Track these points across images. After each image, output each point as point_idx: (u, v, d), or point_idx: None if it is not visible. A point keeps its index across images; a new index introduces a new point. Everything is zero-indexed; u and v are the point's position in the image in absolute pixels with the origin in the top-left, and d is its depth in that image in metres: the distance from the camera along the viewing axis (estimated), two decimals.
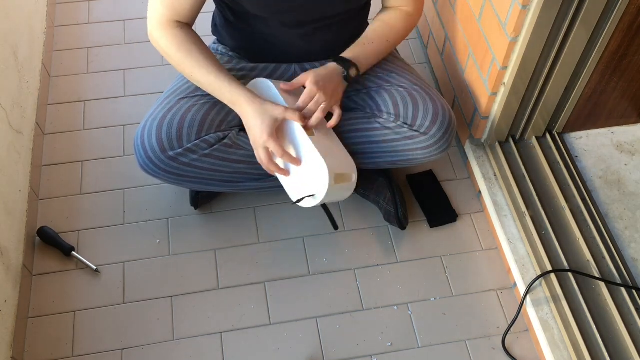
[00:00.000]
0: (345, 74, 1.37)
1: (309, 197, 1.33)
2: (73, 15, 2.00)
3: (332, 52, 1.44)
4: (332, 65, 1.37)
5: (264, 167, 1.35)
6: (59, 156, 1.67)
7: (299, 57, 1.48)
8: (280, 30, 1.41)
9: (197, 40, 1.37)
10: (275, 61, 1.48)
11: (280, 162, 1.35)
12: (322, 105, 1.32)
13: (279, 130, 1.34)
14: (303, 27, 1.40)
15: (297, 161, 1.32)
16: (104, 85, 1.82)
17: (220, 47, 1.52)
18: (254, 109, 1.30)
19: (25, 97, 1.61)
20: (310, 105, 1.32)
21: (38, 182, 1.60)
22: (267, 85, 1.39)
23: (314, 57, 1.48)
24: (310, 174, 1.33)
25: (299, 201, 1.35)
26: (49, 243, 1.50)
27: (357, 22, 1.48)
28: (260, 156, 1.32)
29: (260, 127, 1.29)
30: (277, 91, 1.37)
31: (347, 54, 1.39)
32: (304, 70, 1.48)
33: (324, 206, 1.41)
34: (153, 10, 1.36)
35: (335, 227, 1.52)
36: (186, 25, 1.37)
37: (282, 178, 1.38)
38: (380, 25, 1.43)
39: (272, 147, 1.29)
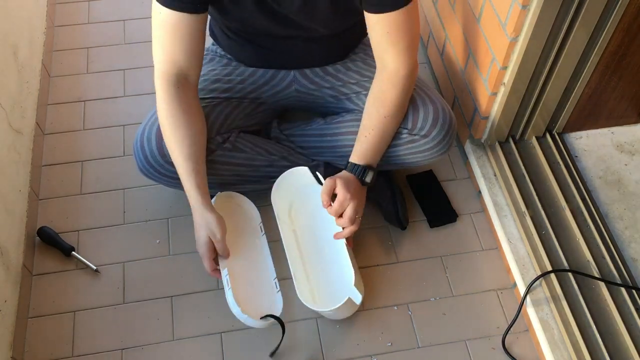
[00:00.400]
0: (364, 178, 1.36)
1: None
2: (73, 15, 2.00)
3: (331, 58, 1.44)
4: (349, 176, 1.35)
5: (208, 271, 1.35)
6: (59, 156, 1.67)
7: (297, 64, 1.48)
8: (273, 41, 1.41)
9: (191, 116, 1.30)
10: (271, 67, 1.48)
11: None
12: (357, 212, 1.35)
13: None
14: (295, 40, 1.40)
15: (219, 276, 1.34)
16: (104, 85, 1.82)
17: (219, 50, 1.52)
18: (200, 216, 1.31)
19: (25, 97, 1.61)
20: (349, 212, 1.34)
21: (38, 182, 1.60)
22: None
23: (312, 63, 1.47)
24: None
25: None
26: (49, 243, 1.50)
27: (355, 28, 1.47)
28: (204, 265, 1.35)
29: (199, 241, 1.33)
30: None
31: (357, 157, 1.36)
32: (304, 76, 1.48)
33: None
34: (155, 58, 1.29)
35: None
36: (188, 84, 1.30)
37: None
38: (374, 102, 1.36)
39: (205, 263, 1.33)
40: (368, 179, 1.36)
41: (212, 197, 1.57)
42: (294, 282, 1.35)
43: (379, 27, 1.27)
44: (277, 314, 1.33)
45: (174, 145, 1.30)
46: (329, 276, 1.39)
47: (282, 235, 1.41)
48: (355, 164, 1.36)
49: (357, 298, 1.30)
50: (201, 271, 1.48)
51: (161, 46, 1.26)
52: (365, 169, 1.36)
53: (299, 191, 1.44)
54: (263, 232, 1.45)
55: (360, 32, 1.49)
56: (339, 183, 1.32)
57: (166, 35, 1.24)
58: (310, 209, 1.45)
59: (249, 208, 1.47)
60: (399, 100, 1.34)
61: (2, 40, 1.52)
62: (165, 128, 1.30)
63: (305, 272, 1.40)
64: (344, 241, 1.37)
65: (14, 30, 1.61)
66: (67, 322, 1.41)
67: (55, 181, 1.62)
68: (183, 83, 1.29)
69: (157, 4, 1.22)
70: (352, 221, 1.34)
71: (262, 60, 1.47)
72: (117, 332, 1.39)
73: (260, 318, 1.30)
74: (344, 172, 1.37)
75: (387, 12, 1.24)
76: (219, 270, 1.34)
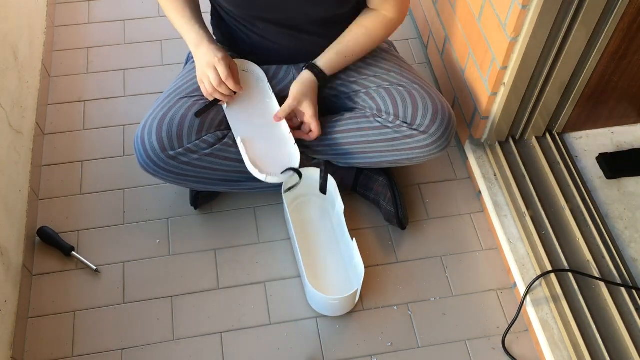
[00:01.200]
0: (320, 85, 1.42)
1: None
2: (73, 15, 2.00)
3: (323, 48, 1.45)
4: (313, 83, 1.41)
5: (209, 89, 1.38)
6: (59, 156, 1.67)
7: (293, 58, 1.48)
8: (270, 32, 1.41)
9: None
10: (268, 62, 1.49)
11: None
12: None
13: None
14: (292, 29, 1.41)
15: (239, 88, 1.40)
16: (104, 85, 1.82)
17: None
18: (215, 47, 1.38)
19: (25, 97, 1.61)
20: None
21: (38, 182, 1.60)
22: (258, 74, 1.48)
23: (308, 58, 1.48)
24: (280, 151, 1.42)
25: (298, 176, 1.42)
26: (49, 243, 1.50)
27: (348, 23, 1.48)
28: (209, 77, 1.36)
29: (213, 55, 1.36)
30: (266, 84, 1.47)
31: (324, 64, 1.42)
32: (300, 72, 1.49)
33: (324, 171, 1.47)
34: None
35: (324, 192, 1.50)
36: None
37: (245, 151, 1.40)
38: (361, 33, 1.42)
39: (221, 68, 1.35)
40: (322, 84, 1.43)
41: (211, 195, 1.57)
42: (302, 270, 1.39)
43: None
44: (296, 166, 1.39)
45: (170, 8, 1.42)
46: (336, 268, 1.44)
47: (291, 229, 1.45)
48: (322, 72, 1.42)
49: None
50: (201, 271, 1.48)
51: None
52: (327, 77, 1.43)
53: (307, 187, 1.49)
54: (271, 90, 1.47)
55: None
56: (307, 105, 1.40)
57: None
58: (316, 205, 1.52)
59: (254, 69, 1.49)
60: (382, 38, 1.45)
61: (2, 40, 1.52)
62: (163, 4, 1.43)
63: (312, 265, 1.43)
64: (348, 236, 1.42)
65: (14, 30, 1.61)
66: (67, 322, 1.41)
67: (55, 181, 1.62)
68: None
69: None
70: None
71: (257, 50, 1.47)
72: (117, 332, 1.39)
73: (281, 173, 1.37)
74: (307, 81, 1.40)
75: None
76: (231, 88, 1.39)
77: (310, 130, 1.43)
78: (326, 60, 1.42)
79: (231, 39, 1.49)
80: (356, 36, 1.42)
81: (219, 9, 1.45)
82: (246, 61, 1.49)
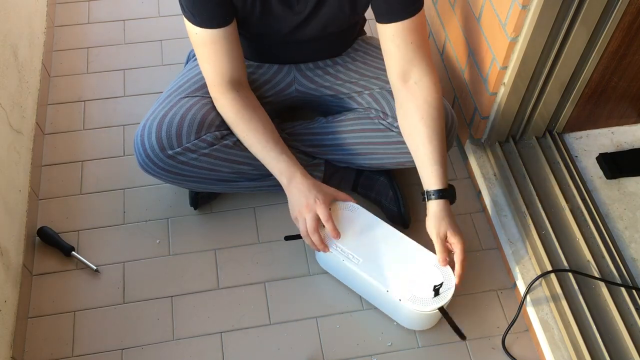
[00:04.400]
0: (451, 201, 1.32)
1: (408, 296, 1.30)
2: (73, 15, 2.00)
3: (329, 54, 1.44)
4: (446, 207, 1.30)
5: (304, 234, 1.32)
6: (59, 156, 1.67)
7: (299, 60, 1.48)
8: (283, 46, 1.42)
9: (255, 107, 1.36)
10: (269, 61, 1.49)
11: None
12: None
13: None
14: (304, 42, 1.41)
15: (337, 234, 1.31)
16: (104, 85, 1.82)
17: None
18: (310, 182, 1.32)
19: (25, 97, 1.61)
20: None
21: (38, 182, 1.60)
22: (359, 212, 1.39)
23: (314, 58, 1.48)
24: (420, 275, 1.32)
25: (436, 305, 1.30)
26: (49, 243, 1.50)
27: (354, 28, 1.48)
28: (307, 223, 1.30)
29: (313, 195, 1.30)
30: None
31: (436, 181, 1.29)
32: (303, 76, 1.49)
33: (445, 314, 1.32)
34: (205, 74, 1.35)
35: (463, 337, 1.34)
36: (242, 86, 1.36)
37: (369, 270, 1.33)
38: (423, 127, 1.30)
39: (321, 211, 1.29)
40: (454, 196, 1.33)
41: (211, 195, 1.57)
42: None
43: (400, 37, 1.27)
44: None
45: (250, 137, 1.34)
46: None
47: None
48: (440, 190, 1.29)
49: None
50: (201, 271, 1.48)
51: (207, 62, 1.32)
52: (447, 190, 1.31)
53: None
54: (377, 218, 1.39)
55: (357, 30, 1.51)
56: (456, 241, 1.28)
57: (209, 51, 1.30)
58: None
59: (356, 209, 1.40)
60: (437, 122, 1.30)
61: (2, 40, 1.52)
62: (237, 127, 1.35)
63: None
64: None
65: (14, 30, 1.61)
66: (67, 322, 1.41)
67: (55, 181, 1.62)
68: (238, 87, 1.35)
69: (191, 24, 1.27)
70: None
71: (260, 56, 1.47)
72: (117, 332, 1.39)
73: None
74: (441, 211, 1.29)
75: (408, 18, 1.25)
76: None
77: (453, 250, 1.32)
78: (437, 176, 1.29)
79: None
80: (423, 138, 1.31)
81: None
82: (349, 203, 1.39)
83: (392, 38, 1.28)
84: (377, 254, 1.34)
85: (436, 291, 1.28)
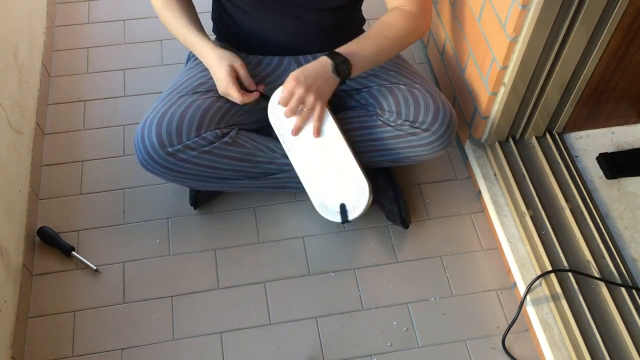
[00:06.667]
0: (334, 67, 1.31)
1: (334, 208, 1.38)
2: (73, 15, 2.00)
3: (327, 44, 1.45)
4: (321, 59, 1.33)
5: (236, 100, 1.36)
6: (59, 156, 1.67)
7: (296, 47, 1.48)
8: (276, 20, 1.42)
9: (184, 2, 1.43)
10: (270, 53, 1.49)
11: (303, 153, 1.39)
12: (306, 101, 1.32)
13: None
14: (298, 17, 1.41)
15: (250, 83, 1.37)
16: (104, 85, 1.82)
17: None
18: (216, 54, 1.37)
19: (25, 97, 1.61)
20: (291, 103, 1.32)
21: (38, 182, 1.60)
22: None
23: (310, 49, 1.48)
24: (341, 182, 1.38)
25: (344, 218, 1.39)
26: (49, 243, 1.50)
27: (351, 11, 1.48)
28: (231, 97, 1.36)
29: (220, 76, 1.36)
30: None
31: (341, 49, 1.34)
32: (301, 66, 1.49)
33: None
34: None
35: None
36: None
37: (302, 174, 1.39)
38: (378, 22, 1.40)
39: (233, 95, 1.35)
40: (342, 68, 1.31)
41: (211, 195, 1.57)
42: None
43: None
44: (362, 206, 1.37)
45: (168, 17, 1.42)
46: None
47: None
48: (336, 52, 1.33)
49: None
50: (201, 271, 1.48)
51: None
52: (344, 58, 1.32)
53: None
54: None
55: (357, 20, 1.51)
56: (295, 72, 1.30)
57: None
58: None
59: None
60: (405, 31, 1.39)
61: (2, 40, 1.52)
62: (161, 11, 1.43)
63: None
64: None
65: (14, 30, 1.61)
66: (67, 322, 1.41)
67: (55, 181, 1.62)
68: None
69: None
70: (293, 111, 1.34)
71: (260, 41, 1.47)
72: (117, 332, 1.39)
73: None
74: (317, 60, 1.33)
75: None
76: (249, 93, 1.37)
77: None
78: (344, 47, 1.35)
79: (233, 31, 1.49)
80: (372, 26, 1.40)
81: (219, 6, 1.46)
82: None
83: None
84: (310, 148, 1.38)
85: (342, 207, 1.37)
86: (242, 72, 1.37)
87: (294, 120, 1.37)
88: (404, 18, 1.39)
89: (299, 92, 1.31)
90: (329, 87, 1.33)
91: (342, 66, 1.32)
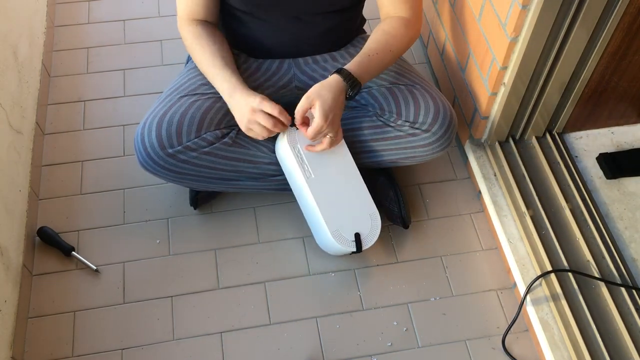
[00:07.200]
0: (348, 93, 1.31)
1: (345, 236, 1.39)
2: (73, 15, 2.00)
3: (328, 45, 1.44)
4: (338, 85, 1.30)
5: (263, 133, 1.33)
6: (59, 156, 1.67)
7: (296, 49, 1.48)
8: (276, 22, 1.41)
9: (214, 35, 1.40)
10: (270, 56, 1.49)
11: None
12: (328, 137, 1.34)
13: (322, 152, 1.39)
14: (297, 19, 1.41)
15: (285, 124, 1.33)
16: (104, 85, 1.82)
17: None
18: (250, 91, 1.33)
19: (25, 97, 1.61)
20: (319, 138, 1.34)
21: (38, 182, 1.60)
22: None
23: (311, 51, 1.48)
24: (356, 212, 1.41)
25: (358, 248, 1.39)
26: (49, 243, 1.50)
27: (354, 12, 1.48)
28: (260, 122, 1.31)
29: (255, 99, 1.31)
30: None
31: (352, 66, 1.32)
32: (302, 72, 1.49)
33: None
34: (178, 9, 1.43)
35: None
36: (207, 23, 1.42)
37: (320, 203, 1.37)
38: (382, 34, 1.38)
39: (267, 106, 1.30)
40: (355, 92, 1.32)
41: (211, 195, 1.57)
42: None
43: None
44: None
45: (201, 57, 1.38)
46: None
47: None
48: (351, 74, 1.31)
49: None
50: (201, 271, 1.48)
51: (183, 1, 1.40)
52: (358, 84, 1.32)
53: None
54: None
55: (357, 22, 1.51)
56: (318, 105, 1.27)
57: None
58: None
59: None
60: (406, 40, 1.41)
61: (2, 40, 1.52)
62: (194, 50, 1.40)
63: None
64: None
65: (14, 30, 1.61)
66: (67, 322, 1.41)
67: (55, 181, 1.62)
68: (205, 24, 1.41)
69: None
70: (332, 143, 1.36)
71: (259, 43, 1.47)
72: (117, 332, 1.39)
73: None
74: (328, 82, 1.30)
75: None
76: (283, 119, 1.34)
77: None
78: (352, 62, 1.34)
79: (232, 34, 1.49)
80: (376, 37, 1.38)
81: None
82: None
83: None
84: (328, 177, 1.39)
85: (356, 237, 1.38)
86: (276, 111, 1.32)
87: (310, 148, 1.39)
88: (405, 27, 1.40)
89: (327, 130, 1.31)
90: (342, 110, 1.34)
91: (354, 90, 1.32)
